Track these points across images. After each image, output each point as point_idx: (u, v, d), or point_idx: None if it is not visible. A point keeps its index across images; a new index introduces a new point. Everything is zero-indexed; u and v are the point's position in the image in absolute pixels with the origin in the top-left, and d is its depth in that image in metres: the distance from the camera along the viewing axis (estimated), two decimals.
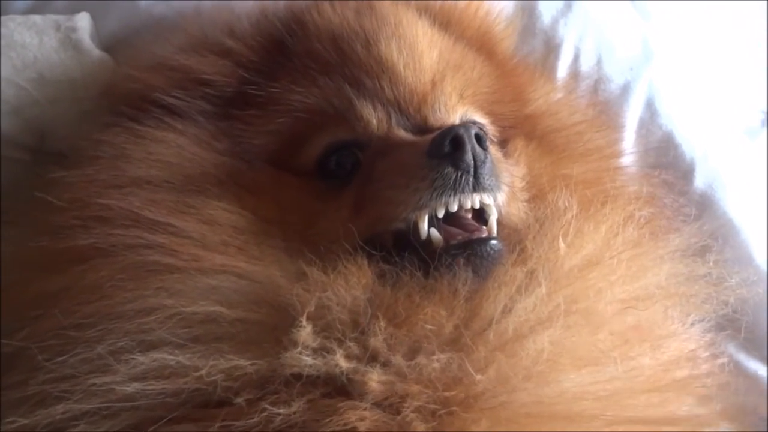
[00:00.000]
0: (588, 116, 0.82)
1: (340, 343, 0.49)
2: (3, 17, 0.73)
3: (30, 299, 0.57)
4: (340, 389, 0.50)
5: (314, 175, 0.63)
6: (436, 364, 0.49)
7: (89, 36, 0.73)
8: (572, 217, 0.58)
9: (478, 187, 0.56)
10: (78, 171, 0.62)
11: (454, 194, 0.55)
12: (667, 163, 0.86)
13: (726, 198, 0.85)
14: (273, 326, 0.51)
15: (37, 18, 0.73)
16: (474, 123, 0.65)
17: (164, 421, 0.49)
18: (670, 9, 1.04)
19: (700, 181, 0.86)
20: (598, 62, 0.90)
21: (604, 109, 0.86)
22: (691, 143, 0.88)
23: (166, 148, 0.62)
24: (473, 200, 0.56)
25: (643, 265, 0.59)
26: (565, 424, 0.48)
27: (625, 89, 0.89)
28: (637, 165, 0.86)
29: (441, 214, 0.55)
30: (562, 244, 0.55)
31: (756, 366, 0.77)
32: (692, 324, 0.62)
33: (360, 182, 0.60)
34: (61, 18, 0.73)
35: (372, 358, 0.50)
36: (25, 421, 0.50)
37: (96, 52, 0.73)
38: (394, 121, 0.62)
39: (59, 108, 0.70)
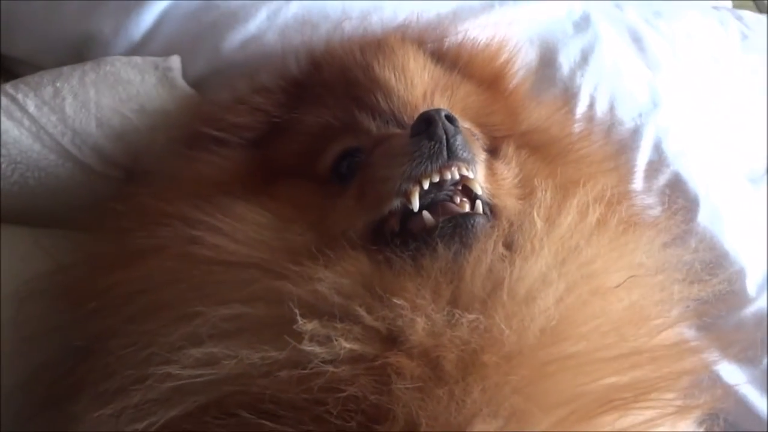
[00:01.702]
0: (579, 132, 0.89)
1: (342, 328, 0.54)
2: (110, 57, 0.85)
3: (90, 294, 0.64)
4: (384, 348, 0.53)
5: (329, 180, 0.72)
6: (464, 324, 0.54)
7: (180, 75, 0.85)
8: (548, 195, 0.65)
9: (452, 156, 0.63)
10: (142, 185, 0.75)
11: (431, 162, 0.62)
12: (675, 198, 0.92)
13: (724, 232, 0.92)
14: (286, 319, 0.55)
15: (138, 59, 0.85)
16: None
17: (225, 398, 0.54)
18: (677, 59, 1.14)
19: (703, 217, 0.93)
20: (611, 108, 0.99)
21: (617, 146, 0.94)
22: (695, 182, 0.95)
23: (208, 167, 0.74)
24: (452, 172, 0.63)
25: (627, 243, 0.66)
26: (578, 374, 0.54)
27: (635, 133, 0.98)
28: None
29: (426, 185, 0.62)
30: (537, 218, 0.62)
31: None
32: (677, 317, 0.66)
33: (361, 174, 0.68)
34: (158, 59, 0.85)
35: (388, 332, 0.54)
36: (110, 412, 0.56)
37: (187, 89, 0.84)
38: (391, 128, 0.71)
39: (155, 135, 0.81)
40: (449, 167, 0.63)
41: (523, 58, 0.93)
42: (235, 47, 0.90)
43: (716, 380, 0.82)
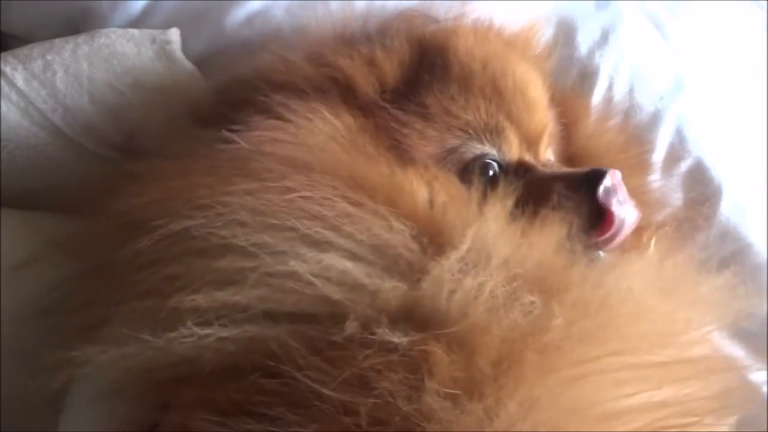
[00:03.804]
0: (617, 141, 0.86)
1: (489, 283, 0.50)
2: (105, 30, 0.80)
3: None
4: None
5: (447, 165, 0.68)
6: (519, 307, 0.50)
7: (179, 49, 0.80)
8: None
9: None
10: (173, 162, 0.62)
11: None
12: (696, 186, 0.90)
13: (748, 223, 0.88)
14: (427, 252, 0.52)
15: (135, 31, 0.80)
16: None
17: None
18: (699, 47, 1.09)
19: (726, 205, 0.89)
20: (631, 91, 0.94)
21: (634, 133, 0.90)
22: (718, 169, 0.91)
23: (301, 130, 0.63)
24: None
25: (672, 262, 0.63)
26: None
27: (656, 117, 0.93)
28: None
29: None
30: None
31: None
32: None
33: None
34: (156, 32, 0.80)
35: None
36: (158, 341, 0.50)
37: (187, 64, 0.80)
38: (524, 150, 0.72)
39: (151, 111, 0.76)
40: None
41: (541, 37, 0.89)
42: (239, 23, 0.85)
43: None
